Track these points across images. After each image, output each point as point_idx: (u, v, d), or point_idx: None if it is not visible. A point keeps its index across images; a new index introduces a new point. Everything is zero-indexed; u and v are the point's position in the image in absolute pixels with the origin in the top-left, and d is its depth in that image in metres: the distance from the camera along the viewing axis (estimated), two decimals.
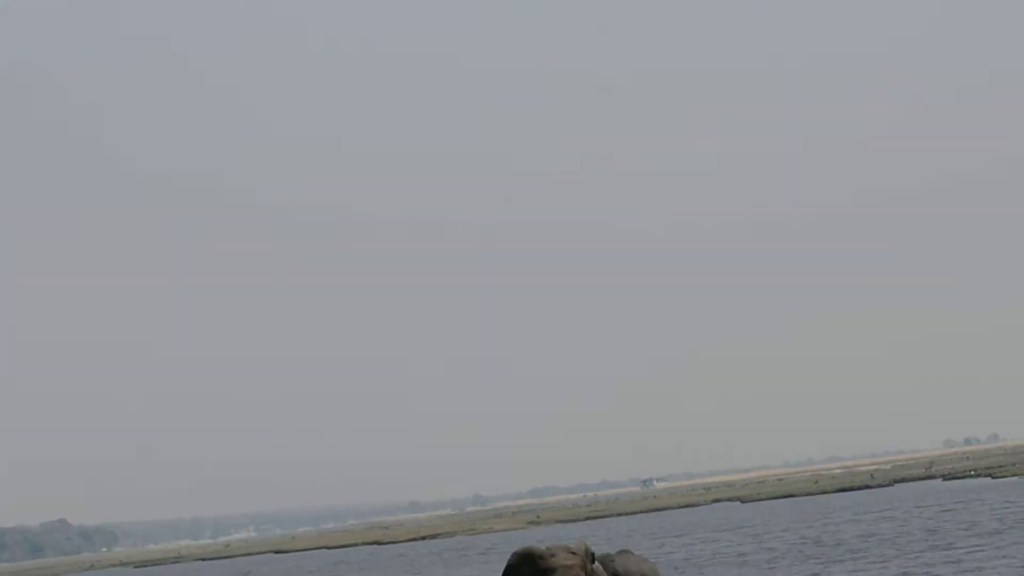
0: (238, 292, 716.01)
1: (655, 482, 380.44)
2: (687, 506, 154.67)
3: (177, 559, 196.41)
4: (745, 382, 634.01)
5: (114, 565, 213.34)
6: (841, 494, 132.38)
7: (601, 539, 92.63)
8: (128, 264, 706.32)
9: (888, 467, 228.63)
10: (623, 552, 21.58)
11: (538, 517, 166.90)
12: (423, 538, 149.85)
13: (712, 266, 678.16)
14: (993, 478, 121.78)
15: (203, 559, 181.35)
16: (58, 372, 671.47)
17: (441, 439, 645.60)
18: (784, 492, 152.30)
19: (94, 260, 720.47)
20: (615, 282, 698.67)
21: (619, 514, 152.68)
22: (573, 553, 19.88)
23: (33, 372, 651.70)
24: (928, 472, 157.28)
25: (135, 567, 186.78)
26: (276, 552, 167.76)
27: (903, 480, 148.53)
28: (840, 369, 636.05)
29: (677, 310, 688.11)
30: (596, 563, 20.48)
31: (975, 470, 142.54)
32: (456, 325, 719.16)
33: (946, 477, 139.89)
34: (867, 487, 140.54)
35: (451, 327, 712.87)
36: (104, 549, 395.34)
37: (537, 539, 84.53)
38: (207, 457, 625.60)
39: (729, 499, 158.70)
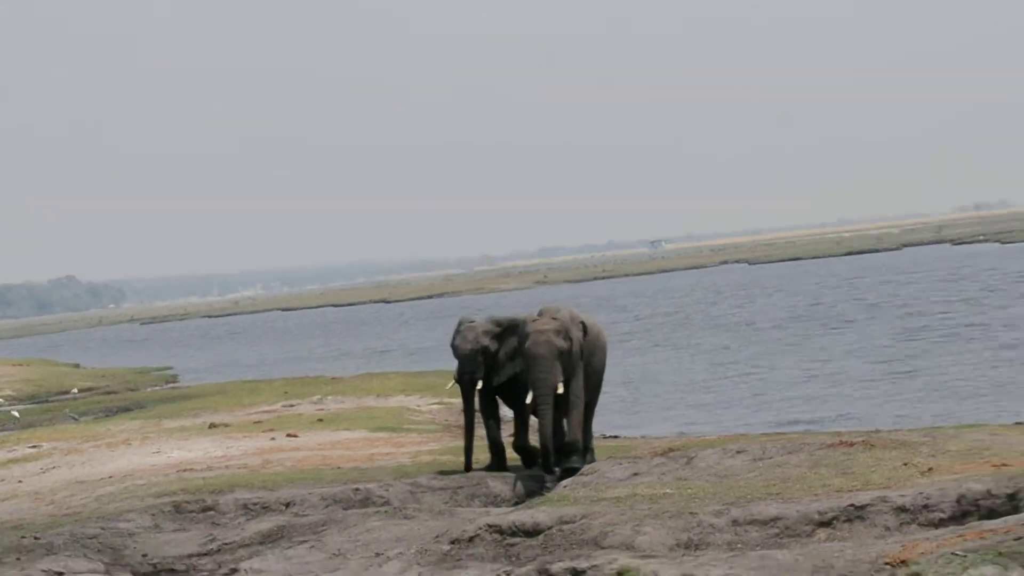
0: None
1: (663, 244, 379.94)
2: (695, 267, 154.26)
3: (184, 316, 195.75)
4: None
5: (121, 321, 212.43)
6: (848, 257, 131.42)
7: (603, 298, 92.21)
8: None
9: (896, 231, 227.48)
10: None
11: (545, 277, 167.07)
12: (430, 296, 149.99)
13: None
14: (1002, 243, 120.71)
15: (210, 316, 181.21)
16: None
17: (448, 198, 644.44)
18: (792, 255, 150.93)
19: None
20: None
21: (627, 275, 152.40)
22: (554, 319, 19.48)
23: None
24: (938, 236, 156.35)
25: (142, 323, 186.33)
26: (283, 310, 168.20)
27: (911, 244, 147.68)
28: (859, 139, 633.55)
29: None
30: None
31: (984, 235, 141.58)
32: None
33: (955, 242, 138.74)
34: (875, 251, 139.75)
35: None
36: (112, 305, 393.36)
37: (544, 299, 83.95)
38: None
39: (737, 261, 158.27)
